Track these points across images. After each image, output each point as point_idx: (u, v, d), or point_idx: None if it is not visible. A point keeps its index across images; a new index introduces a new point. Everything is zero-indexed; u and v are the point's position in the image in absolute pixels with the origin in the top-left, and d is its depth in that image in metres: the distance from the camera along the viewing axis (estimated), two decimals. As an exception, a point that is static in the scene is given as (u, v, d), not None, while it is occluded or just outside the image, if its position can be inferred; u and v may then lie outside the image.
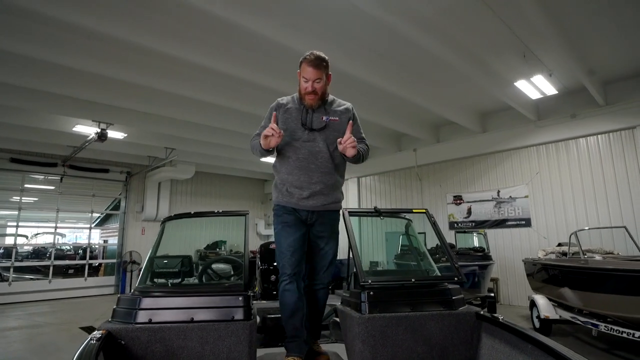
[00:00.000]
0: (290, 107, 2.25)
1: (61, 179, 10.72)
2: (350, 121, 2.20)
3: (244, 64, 5.74)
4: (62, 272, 10.97)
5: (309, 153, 2.17)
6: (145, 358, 1.69)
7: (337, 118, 2.22)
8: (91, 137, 8.18)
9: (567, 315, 5.33)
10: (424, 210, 2.48)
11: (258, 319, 2.50)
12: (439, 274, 2.53)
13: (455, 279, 2.19)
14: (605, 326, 4.59)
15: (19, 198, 10.37)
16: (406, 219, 2.72)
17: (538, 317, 5.76)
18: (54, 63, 5.25)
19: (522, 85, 6.54)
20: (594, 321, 4.77)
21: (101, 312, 8.18)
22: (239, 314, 1.87)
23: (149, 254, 2.34)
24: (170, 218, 2.43)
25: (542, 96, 7.02)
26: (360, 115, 2.43)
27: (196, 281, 3.14)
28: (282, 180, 2.21)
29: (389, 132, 9.92)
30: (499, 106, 8.22)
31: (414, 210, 2.55)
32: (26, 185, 10.47)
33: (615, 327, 4.45)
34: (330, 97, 2.30)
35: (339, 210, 2.31)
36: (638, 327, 4.21)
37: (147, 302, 1.84)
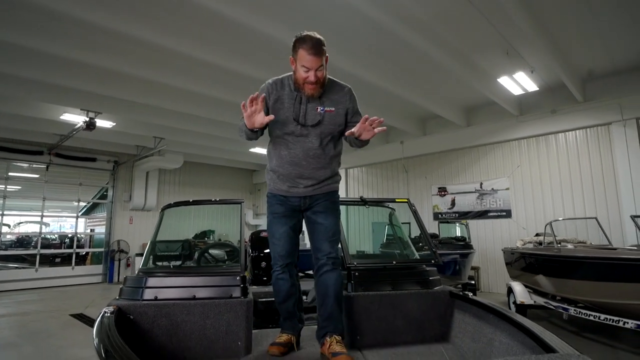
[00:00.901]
0: (282, 95, 2.01)
1: (47, 167, 10.61)
2: (366, 118, 1.88)
3: (235, 55, 5.80)
4: (48, 261, 10.95)
5: (301, 149, 2.01)
6: (153, 331, 1.87)
7: (333, 108, 2.01)
8: (79, 125, 8.13)
9: (541, 300, 5.66)
10: (406, 200, 2.68)
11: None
12: (418, 258, 2.74)
13: (432, 261, 2.41)
14: (575, 310, 4.92)
15: (3, 186, 10.26)
16: (390, 208, 2.92)
17: (514, 302, 6.08)
18: (42, 51, 5.21)
19: (504, 81, 6.79)
20: (565, 305, 5.11)
21: (90, 299, 8.23)
22: (236, 292, 2.05)
23: (150, 239, 2.48)
24: (169, 206, 2.56)
25: (523, 92, 7.30)
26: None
27: (194, 265, 3.28)
28: (273, 169, 2.13)
29: (377, 125, 10.10)
30: (483, 101, 8.47)
31: (396, 200, 2.74)
32: (11, 174, 10.34)
33: (584, 311, 4.78)
34: (329, 78, 2.05)
35: (336, 190, 2.17)
36: (604, 311, 4.54)
37: (152, 281, 2.01)
